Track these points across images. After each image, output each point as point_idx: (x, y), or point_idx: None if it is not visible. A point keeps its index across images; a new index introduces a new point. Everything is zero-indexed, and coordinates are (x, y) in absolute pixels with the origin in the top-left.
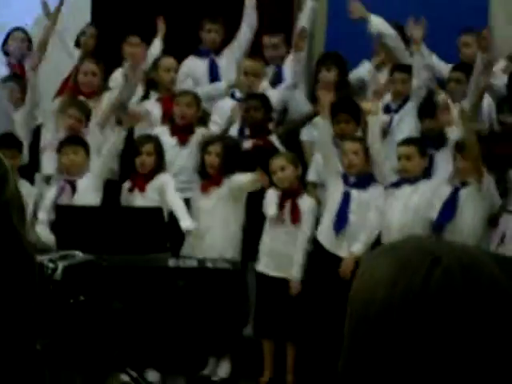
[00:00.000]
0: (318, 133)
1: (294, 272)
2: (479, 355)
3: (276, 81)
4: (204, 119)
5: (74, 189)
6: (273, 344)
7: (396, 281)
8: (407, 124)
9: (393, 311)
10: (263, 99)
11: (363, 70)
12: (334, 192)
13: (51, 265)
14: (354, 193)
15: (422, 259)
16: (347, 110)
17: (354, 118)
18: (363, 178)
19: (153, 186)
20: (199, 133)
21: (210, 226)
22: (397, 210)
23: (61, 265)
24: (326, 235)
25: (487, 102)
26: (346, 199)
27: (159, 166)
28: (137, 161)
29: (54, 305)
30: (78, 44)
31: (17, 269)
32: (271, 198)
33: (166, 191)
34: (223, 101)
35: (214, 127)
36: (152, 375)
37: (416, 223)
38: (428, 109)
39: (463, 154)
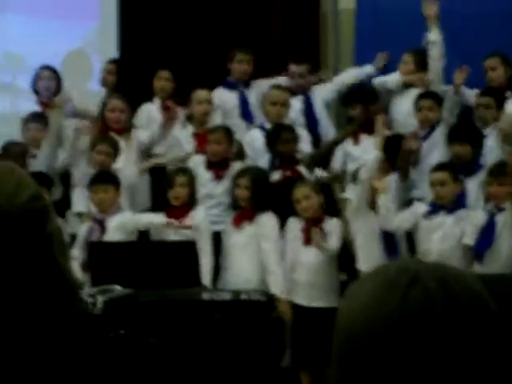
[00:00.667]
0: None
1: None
2: (461, 372)
3: (307, 109)
4: (242, 152)
5: (103, 228)
6: (310, 375)
7: (376, 302)
8: (437, 151)
9: (375, 331)
10: (293, 130)
11: (391, 80)
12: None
13: (91, 299)
14: None
15: (400, 279)
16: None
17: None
18: None
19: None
20: (235, 167)
21: (242, 259)
22: (435, 239)
23: (100, 299)
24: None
25: None
26: None
27: (192, 198)
28: (170, 193)
29: (94, 339)
30: (103, 82)
31: (60, 302)
32: (293, 227)
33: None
34: (253, 133)
35: (248, 160)
36: None
37: (455, 252)
38: (458, 134)
39: (500, 178)
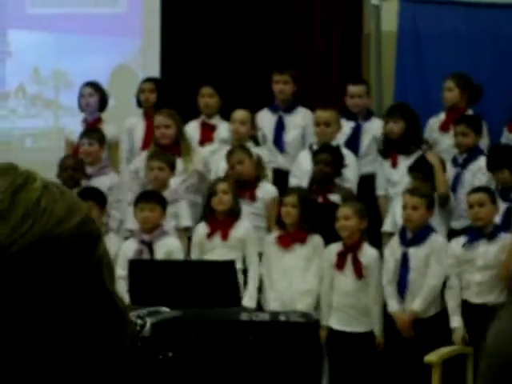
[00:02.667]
0: None
1: (375, 327)
2: None
3: (352, 137)
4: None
5: (151, 250)
6: None
7: None
8: (478, 179)
9: None
10: (335, 153)
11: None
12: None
13: (139, 321)
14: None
15: None
16: (422, 169)
17: (428, 176)
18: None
19: (235, 234)
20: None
21: (290, 279)
22: (476, 267)
23: (149, 321)
24: None
25: None
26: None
27: (236, 208)
28: (214, 200)
29: (143, 361)
30: (139, 103)
31: (111, 327)
32: (332, 251)
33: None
34: (302, 154)
35: (294, 180)
36: None
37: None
38: (497, 161)
39: None
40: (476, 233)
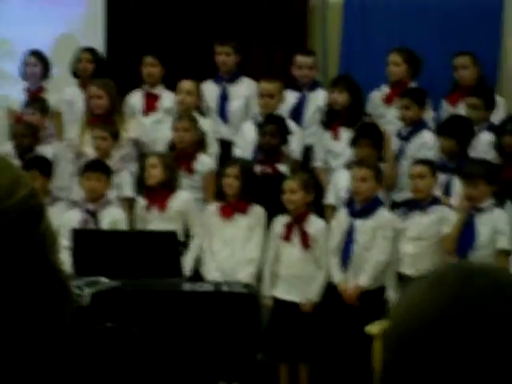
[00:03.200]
0: None
1: (311, 293)
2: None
3: (297, 108)
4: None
5: (96, 220)
6: (287, 367)
7: (429, 299)
8: (423, 154)
9: (427, 328)
10: (281, 123)
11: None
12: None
13: (78, 291)
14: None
15: (453, 277)
16: (371, 135)
17: (376, 144)
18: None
19: (172, 206)
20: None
21: (232, 249)
22: (408, 238)
23: (88, 291)
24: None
25: None
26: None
27: (171, 181)
28: (144, 174)
29: (81, 331)
30: (75, 73)
31: (54, 301)
32: (279, 223)
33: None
34: (246, 125)
35: (238, 151)
36: None
37: (431, 250)
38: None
39: (474, 180)
40: (412, 204)
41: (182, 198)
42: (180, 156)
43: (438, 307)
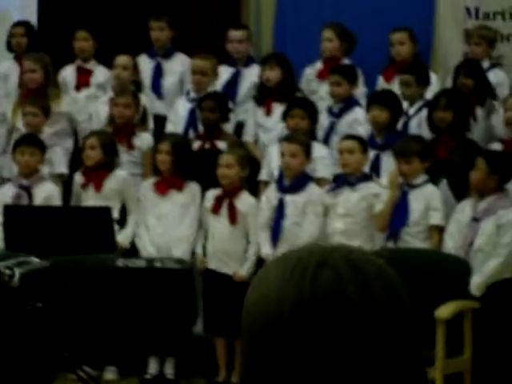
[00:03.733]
0: None
1: (242, 268)
2: (375, 352)
3: (231, 84)
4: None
5: (30, 195)
6: (224, 341)
7: (285, 285)
8: (355, 130)
9: (284, 314)
10: (220, 99)
11: None
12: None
13: (8, 271)
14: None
15: (310, 261)
16: (303, 106)
17: (309, 116)
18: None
19: (109, 186)
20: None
21: (166, 225)
22: (338, 214)
23: (18, 272)
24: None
25: None
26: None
27: (110, 161)
28: (83, 154)
29: (11, 311)
30: (9, 47)
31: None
32: (210, 196)
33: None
34: (179, 101)
35: (170, 126)
36: (109, 374)
37: (360, 227)
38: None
39: (406, 158)
40: (341, 180)
41: (119, 178)
42: (120, 132)
43: (295, 292)
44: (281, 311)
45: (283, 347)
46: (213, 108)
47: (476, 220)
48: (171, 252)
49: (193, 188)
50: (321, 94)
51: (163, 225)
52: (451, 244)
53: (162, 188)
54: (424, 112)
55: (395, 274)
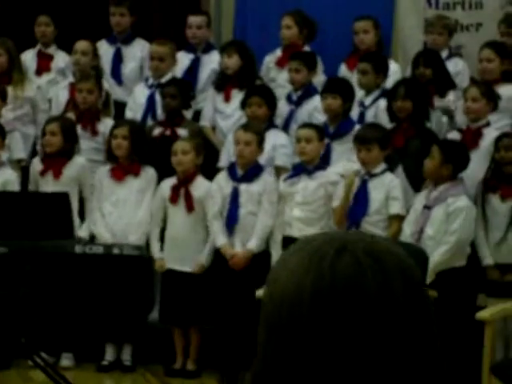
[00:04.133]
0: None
1: (201, 256)
2: (393, 341)
3: (191, 70)
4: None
5: None
6: (181, 330)
7: (304, 270)
8: (315, 118)
9: (304, 300)
10: (182, 86)
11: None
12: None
13: None
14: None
15: (329, 248)
16: (261, 93)
17: (267, 103)
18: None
19: (68, 173)
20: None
21: (123, 211)
22: (295, 202)
23: None
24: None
25: None
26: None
27: (69, 147)
28: (43, 140)
29: None
30: None
31: None
32: (166, 186)
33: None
34: (138, 87)
35: (129, 113)
36: (66, 360)
37: (318, 215)
38: (330, 86)
39: (366, 146)
40: (299, 168)
41: (78, 165)
42: (83, 118)
43: (315, 279)
44: (301, 298)
45: (303, 334)
46: (174, 94)
47: (427, 208)
48: (127, 238)
49: (149, 173)
50: (280, 81)
51: (119, 211)
52: (408, 232)
53: (118, 174)
54: (382, 102)
55: (415, 266)
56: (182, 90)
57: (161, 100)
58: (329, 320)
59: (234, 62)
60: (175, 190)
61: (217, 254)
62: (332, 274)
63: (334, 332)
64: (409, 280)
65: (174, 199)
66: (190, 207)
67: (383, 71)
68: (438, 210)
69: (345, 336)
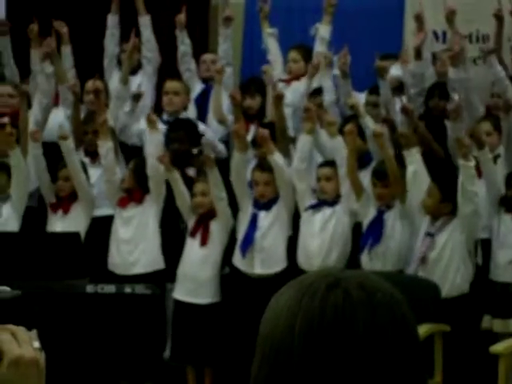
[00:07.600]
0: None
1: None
2: (380, 377)
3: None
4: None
5: None
6: (194, 369)
7: (296, 305)
8: None
9: (295, 334)
10: (188, 128)
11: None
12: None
13: None
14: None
15: (320, 283)
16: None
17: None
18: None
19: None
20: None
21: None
22: (315, 234)
23: None
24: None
25: None
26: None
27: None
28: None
29: None
30: None
31: None
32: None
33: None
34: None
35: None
36: None
37: (335, 246)
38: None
39: (384, 180)
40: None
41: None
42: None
43: (306, 311)
44: (292, 330)
45: (294, 365)
46: (182, 139)
47: (430, 235)
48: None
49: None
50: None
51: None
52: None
53: (124, 202)
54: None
55: (407, 305)
56: (189, 132)
57: (168, 143)
58: (318, 358)
59: (256, 103)
60: (196, 225)
61: (230, 286)
62: (322, 310)
63: (323, 370)
64: (398, 321)
65: (192, 233)
66: (204, 241)
67: None
68: (442, 235)
69: (333, 374)
